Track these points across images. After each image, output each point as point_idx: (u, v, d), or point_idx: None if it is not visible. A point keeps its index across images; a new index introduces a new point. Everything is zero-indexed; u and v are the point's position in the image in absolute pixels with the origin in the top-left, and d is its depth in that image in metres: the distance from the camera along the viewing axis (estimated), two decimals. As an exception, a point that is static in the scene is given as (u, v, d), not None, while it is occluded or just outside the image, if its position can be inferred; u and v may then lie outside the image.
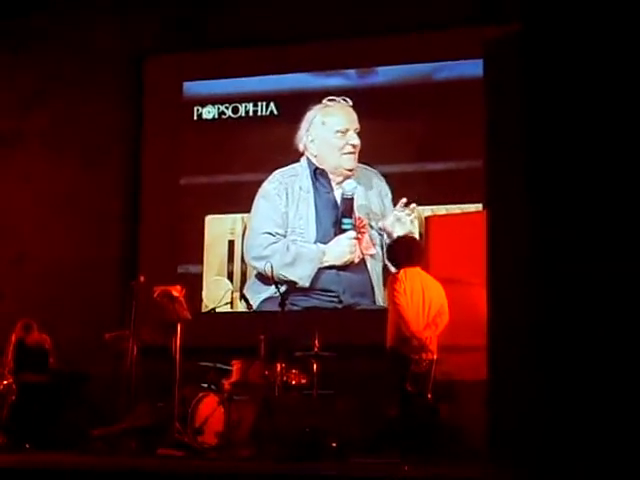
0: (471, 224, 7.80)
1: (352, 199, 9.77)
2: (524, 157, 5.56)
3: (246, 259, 9.97)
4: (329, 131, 9.94)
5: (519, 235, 5.65)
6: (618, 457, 4.85)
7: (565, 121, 5.23)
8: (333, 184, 9.88)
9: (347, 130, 9.87)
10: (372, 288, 9.65)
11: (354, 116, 9.87)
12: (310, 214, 9.85)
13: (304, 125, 9.97)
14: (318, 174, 9.90)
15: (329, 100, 9.95)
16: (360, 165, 9.83)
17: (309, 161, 9.94)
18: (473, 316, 7.34)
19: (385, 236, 9.60)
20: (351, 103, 9.90)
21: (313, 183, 9.90)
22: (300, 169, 9.96)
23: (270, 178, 10.01)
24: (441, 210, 9.45)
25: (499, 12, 9.02)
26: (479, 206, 8.77)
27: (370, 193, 9.79)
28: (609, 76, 5.15)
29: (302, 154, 9.97)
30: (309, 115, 9.98)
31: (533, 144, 5.41)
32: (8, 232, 10.41)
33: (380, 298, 9.52)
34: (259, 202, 10.00)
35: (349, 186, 9.78)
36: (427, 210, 9.48)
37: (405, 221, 9.56)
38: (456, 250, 8.01)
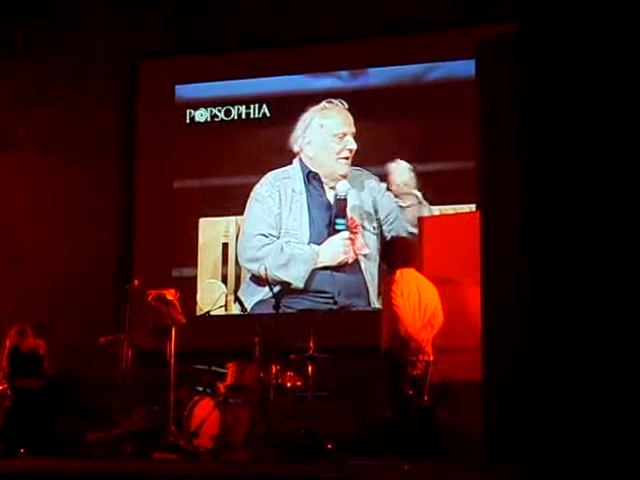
0: (465, 225, 7.79)
1: (345, 200, 9.75)
2: (517, 157, 5.54)
3: (240, 261, 9.95)
4: (327, 134, 9.91)
5: (512, 236, 5.64)
6: (615, 457, 4.85)
7: (559, 121, 5.21)
8: (326, 186, 9.87)
9: (345, 135, 9.83)
10: (367, 288, 9.64)
11: (351, 119, 9.83)
12: (303, 215, 9.84)
13: (300, 125, 9.94)
14: (311, 177, 9.88)
15: (327, 102, 9.93)
16: (351, 168, 9.81)
17: (302, 163, 9.92)
18: (467, 317, 7.34)
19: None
20: (347, 106, 9.88)
21: (306, 185, 9.88)
22: (292, 171, 9.94)
23: (262, 181, 9.99)
24: (435, 211, 9.46)
25: (493, 12, 9.03)
26: (473, 207, 8.78)
27: (362, 194, 9.78)
28: (605, 74, 5.13)
29: (296, 155, 9.96)
30: (306, 116, 9.94)
31: (526, 144, 5.39)
32: (2, 234, 10.39)
33: (375, 298, 9.52)
34: (252, 204, 9.98)
35: (342, 187, 9.77)
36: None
37: None
38: (450, 251, 8.00)
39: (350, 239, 9.71)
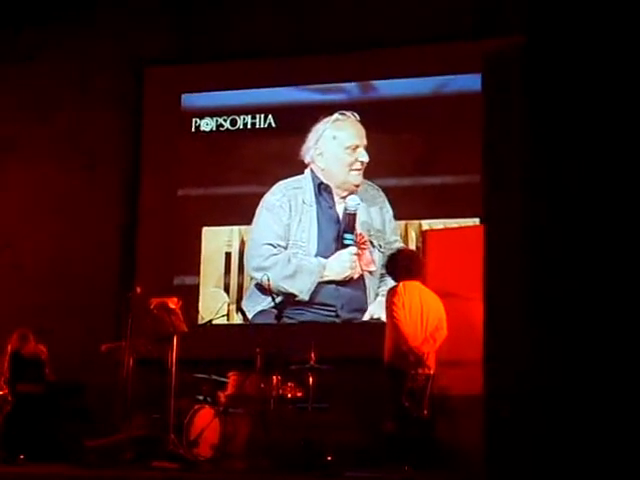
0: (468, 238, 7.77)
1: (354, 214, 9.74)
2: (522, 172, 5.54)
3: (246, 269, 9.93)
4: (339, 146, 9.89)
5: (516, 250, 5.63)
6: (619, 472, 4.82)
7: (565, 137, 5.21)
8: (336, 199, 9.85)
9: (357, 147, 9.82)
10: (369, 305, 9.62)
11: (363, 132, 9.82)
12: (312, 228, 9.82)
13: (312, 137, 9.92)
14: (322, 189, 9.87)
15: (340, 114, 9.92)
16: (364, 181, 9.80)
17: (313, 174, 9.90)
18: (470, 330, 7.30)
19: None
20: (359, 118, 9.87)
21: (316, 197, 9.87)
22: (304, 182, 9.92)
23: (273, 189, 9.97)
24: (438, 224, 9.44)
25: (500, 25, 9.03)
26: (476, 220, 8.77)
27: (372, 210, 9.76)
28: (614, 89, 5.13)
29: (306, 166, 9.94)
30: (318, 127, 9.92)
31: (531, 158, 5.39)
32: (4, 239, 10.40)
33: (376, 315, 9.48)
34: (262, 213, 9.97)
35: (352, 202, 9.76)
36: (424, 224, 9.48)
37: None
38: (453, 264, 7.98)
39: (357, 254, 9.68)
